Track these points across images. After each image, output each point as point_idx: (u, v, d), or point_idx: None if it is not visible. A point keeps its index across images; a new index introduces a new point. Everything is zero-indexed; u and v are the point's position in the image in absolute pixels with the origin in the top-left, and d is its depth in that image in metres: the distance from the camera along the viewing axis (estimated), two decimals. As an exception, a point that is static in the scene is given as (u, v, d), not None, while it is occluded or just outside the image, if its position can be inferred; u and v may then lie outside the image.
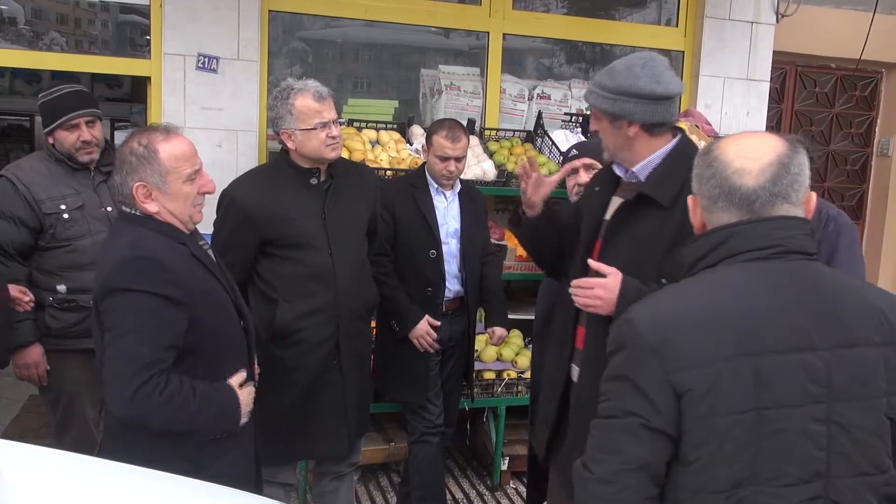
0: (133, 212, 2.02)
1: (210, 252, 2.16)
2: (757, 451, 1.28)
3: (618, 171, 2.16)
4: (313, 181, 2.74)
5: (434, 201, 3.22)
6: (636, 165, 2.06)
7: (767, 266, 1.36)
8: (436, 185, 3.23)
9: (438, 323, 3.20)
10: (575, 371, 2.21)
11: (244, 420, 2.06)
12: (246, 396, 2.07)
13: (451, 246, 3.26)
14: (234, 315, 2.13)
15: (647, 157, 2.04)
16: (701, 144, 3.88)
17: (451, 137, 3.12)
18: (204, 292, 2.00)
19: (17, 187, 2.85)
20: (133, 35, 4.19)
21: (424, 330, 3.16)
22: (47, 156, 2.98)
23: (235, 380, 2.06)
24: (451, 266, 3.27)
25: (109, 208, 2.94)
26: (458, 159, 3.16)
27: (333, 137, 2.68)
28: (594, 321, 2.06)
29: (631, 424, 1.30)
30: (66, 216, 2.89)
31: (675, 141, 2.06)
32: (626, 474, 1.29)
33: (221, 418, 2.00)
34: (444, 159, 3.14)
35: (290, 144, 2.70)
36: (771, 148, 1.40)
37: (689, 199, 1.50)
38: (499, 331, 3.39)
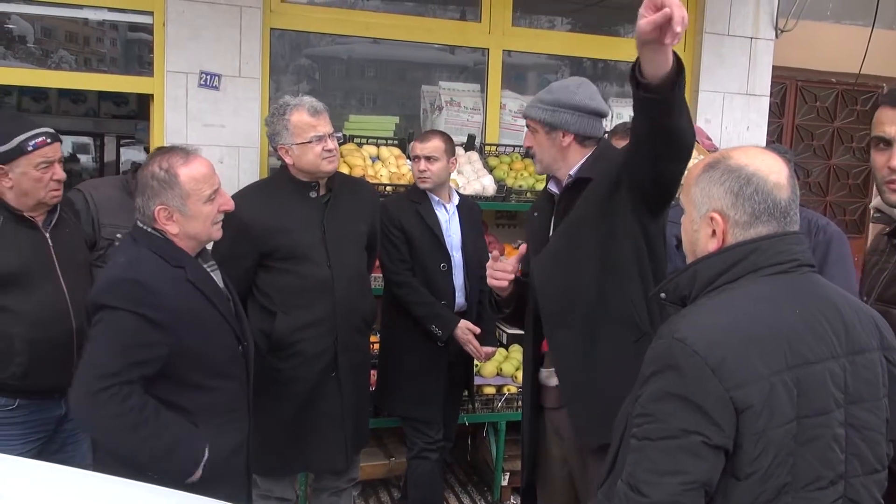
0: (146, 227, 2.07)
1: (215, 274, 2.18)
2: (797, 458, 1.31)
3: (553, 188, 2.31)
4: (312, 194, 2.76)
5: (437, 215, 3.25)
6: (570, 171, 2.24)
7: (787, 279, 1.40)
8: (437, 199, 3.25)
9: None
10: (543, 373, 2.29)
11: (194, 478, 1.98)
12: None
13: (456, 259, 3.28)
14: (229, 340, 2.14)
15: (578, 162, 2.25)
16: (700, 159, 3.90)
17: (421, 139, 3.23)
18: (192, 317, 2.02)
19: (90, 205, 3.02)
20: (141, 52, 4.23)
21: (466, 326, 3.19)
22: (123, 187, 3.16)
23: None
24: (458, 278, 3.29)
25: None
26: (428, 158, 3.18)
27: (330, 150, 2.71)
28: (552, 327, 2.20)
29: (692, 443, 1.27)
30: (117, 244, 2.98)
31: (598, 146, 2.29)
32: (688, 494, 1.27)
33: (169, 456, 1.94)
34: (415, 159, 3.21)
35: (287, 159, 2.74)
36: (783, 162, 1.45)
37: (713, 215, 1.43)
38: (487, 349, 3.37)
